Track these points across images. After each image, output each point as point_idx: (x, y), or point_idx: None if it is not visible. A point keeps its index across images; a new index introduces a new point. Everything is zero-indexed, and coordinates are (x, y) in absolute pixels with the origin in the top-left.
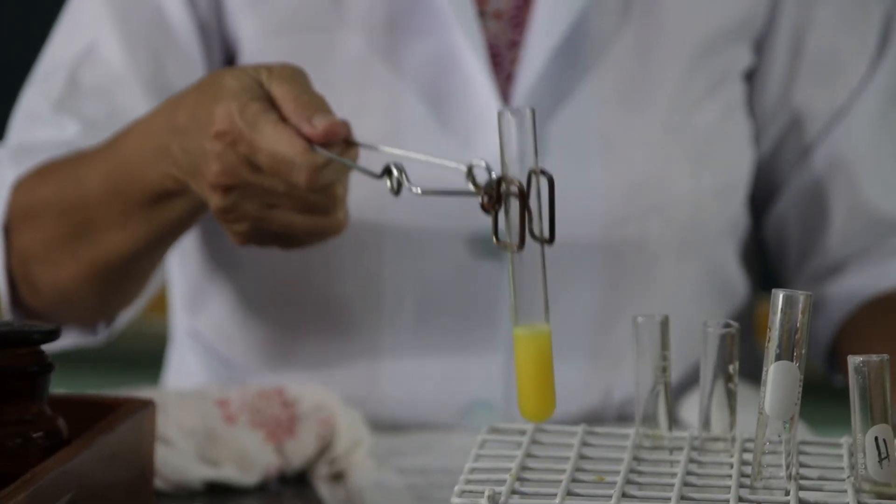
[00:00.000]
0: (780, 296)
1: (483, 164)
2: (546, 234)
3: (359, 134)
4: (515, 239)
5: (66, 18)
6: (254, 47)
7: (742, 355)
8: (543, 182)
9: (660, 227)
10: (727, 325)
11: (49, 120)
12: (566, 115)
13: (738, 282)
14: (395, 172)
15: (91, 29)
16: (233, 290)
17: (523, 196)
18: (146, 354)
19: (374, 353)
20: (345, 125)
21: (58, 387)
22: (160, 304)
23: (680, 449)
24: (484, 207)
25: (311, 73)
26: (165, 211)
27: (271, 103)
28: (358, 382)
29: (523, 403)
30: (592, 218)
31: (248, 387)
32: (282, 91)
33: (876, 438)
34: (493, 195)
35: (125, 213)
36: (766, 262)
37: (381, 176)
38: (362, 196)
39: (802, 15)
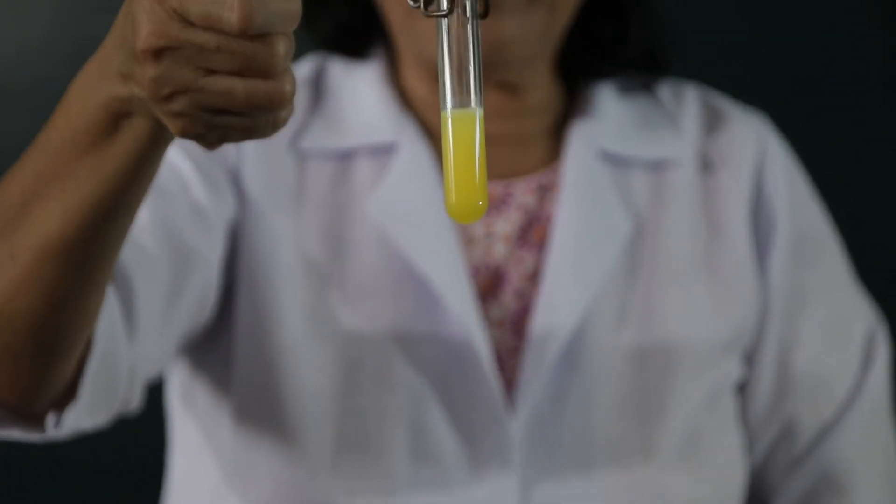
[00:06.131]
0: None
1: None
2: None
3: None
4: (445, 5)
5: None
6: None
7: None
8: None
9: None
10: None
11: None
12: (569, 422)
13: None
14: None
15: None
16: None
17: None
18: None
19: None
20: None
21: None
22: None
23: None
24: None
25: None
26: (108, 153)
27: None
28: None
29: (449, 198)
30: None
31: None
32: None
33: None
34: None
35: (62, 173)
36: None
37: None
38: None
39: (788, 331)
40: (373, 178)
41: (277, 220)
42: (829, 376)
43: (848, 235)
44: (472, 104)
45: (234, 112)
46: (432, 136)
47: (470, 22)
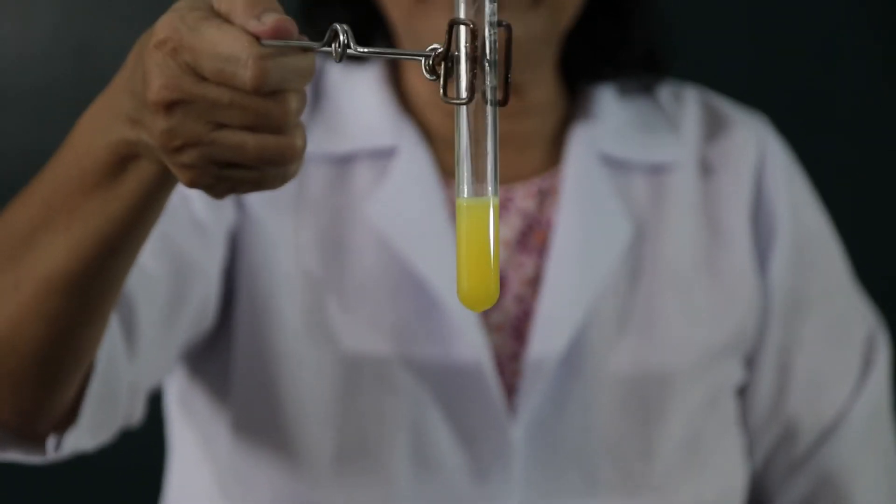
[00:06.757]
0: None
1: (439, 48)
2: (492, 89)
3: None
4: (464, 93)
5: None
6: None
7: None
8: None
9: None
10: None
11: None
12: (570, 427)
13: None
14: (340, 35)
15: None
16: None
17: (473, 37)
18: None
19: None
20: (293, 22)
21: None
22: None
23: None
24: (433, 68)
25: None
26: (114, 193)
27: (217, 14)
28: None
29: (462, 286)
30: None
31: None
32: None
33: None
34: (444, 46)
35: (68, 208)
36: None
37: (326, 43)
38: None
39: (789, 334)
40: (372, 182)
41: (276, 225)
42: (829, 379)
43: (848, 238)
44: (489, 193)
45: (245, 165)
46: (432, 138)
47: (489, 110)
